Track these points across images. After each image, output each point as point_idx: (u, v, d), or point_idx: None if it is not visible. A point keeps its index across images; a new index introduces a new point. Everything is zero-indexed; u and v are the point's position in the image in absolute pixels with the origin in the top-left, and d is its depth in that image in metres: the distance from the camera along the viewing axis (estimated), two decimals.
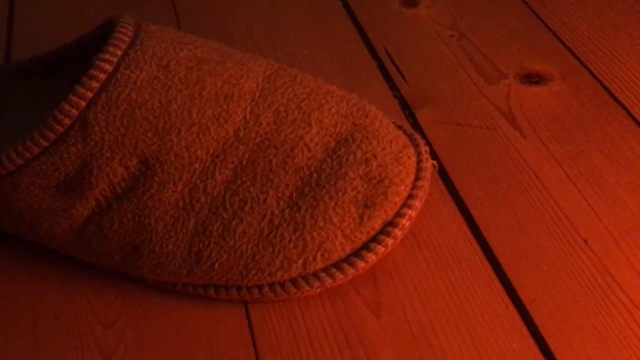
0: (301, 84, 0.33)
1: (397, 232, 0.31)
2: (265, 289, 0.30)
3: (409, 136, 0.35)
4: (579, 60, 0.44)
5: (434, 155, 0.38)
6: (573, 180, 0.36)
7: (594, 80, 0.43)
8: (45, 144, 0.29)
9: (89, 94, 0.29)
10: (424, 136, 0.39)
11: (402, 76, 0.44)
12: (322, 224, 0.30)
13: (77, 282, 0.33)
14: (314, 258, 0.30)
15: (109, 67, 0.30)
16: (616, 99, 0.41)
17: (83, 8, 0.52)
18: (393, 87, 0.43)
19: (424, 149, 0.34)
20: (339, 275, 0.30)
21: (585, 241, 0.33)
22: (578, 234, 0.33)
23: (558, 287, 0.31)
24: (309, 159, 0.31)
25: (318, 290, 0.30)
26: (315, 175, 0.31)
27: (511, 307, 0.30)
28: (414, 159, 0.33)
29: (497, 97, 0.42)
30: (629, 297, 0.30)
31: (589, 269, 0.32)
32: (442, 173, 0.37)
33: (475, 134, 0.39)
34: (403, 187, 0.31)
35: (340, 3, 0.51)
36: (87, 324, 0.31)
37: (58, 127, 0.29)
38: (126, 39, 0.31)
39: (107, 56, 0.30)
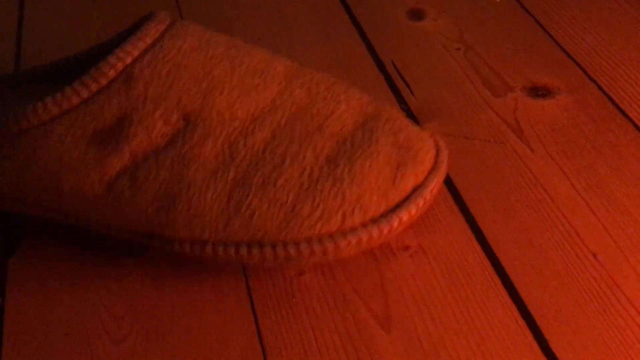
0: (324, 75, 0.35)
1: (427, 195, 0.32)
2: (303, 245, 0.30)
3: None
4: (586, 73, 0.45)
5: None
6: (581, 193, 0.36)
7: (601, 93, 0.43)
8: (85, 94, 0.30)
9: (135, 52, 0.31)
10: None
11: (409, 89, 0.44)
12: (359, 179, 0.31)
13: (88, 297, 0.33)
14: (352, 212, 0.31)
15: (154, 33, 0.32)
16: (623, 112, 0.41)
17: (89, 20, 0.52)
18: (400, 100, 0.43)
19: (437, 138, 0.35)
20: (375, 232, 0.31)
21: (595, 256, 0.33)
22: (587, 248, 0.33)
23: (568, 303, 0.31)
24: (342, 127, 0.33)
25: (353, 251, 0.31)
26: (349, 141, 0.32)
27: (521, 322, 0.30)
28: (431, 139, 0.34)
29: (504, 110, 0.42)
30: (638, 312, 0.30)
31: (599, 284, 0.32)
32: (451, 187, 0.37)
33: (483, 148, 0.40)
34: (428, 157, 0.33)
35: (347, 16, 0.51)
36: (98, 339, 0.31)
37: (101, 78, 0.30)
38: (167, 18, 0.33)
39: (152, 24, 0.32)
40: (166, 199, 0.30)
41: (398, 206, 0.32)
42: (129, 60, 0.31)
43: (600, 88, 0.43)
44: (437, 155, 0.34)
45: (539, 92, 0.43)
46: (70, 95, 0.30)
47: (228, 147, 0.31)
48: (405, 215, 0.31)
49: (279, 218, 0.30)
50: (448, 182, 0.38)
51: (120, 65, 0.30)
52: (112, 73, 0.30)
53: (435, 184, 0.33)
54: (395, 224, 0.31)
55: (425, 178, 0.33)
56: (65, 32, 0.51)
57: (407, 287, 0.32)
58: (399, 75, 0.45)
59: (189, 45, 0.32)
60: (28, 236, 0.36)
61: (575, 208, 0.36)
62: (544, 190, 0.37)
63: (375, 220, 0.31)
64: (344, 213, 0.30)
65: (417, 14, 0.51)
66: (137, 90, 0.30)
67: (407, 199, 0.32)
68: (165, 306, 0.32)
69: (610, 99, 0.42)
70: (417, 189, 0.32)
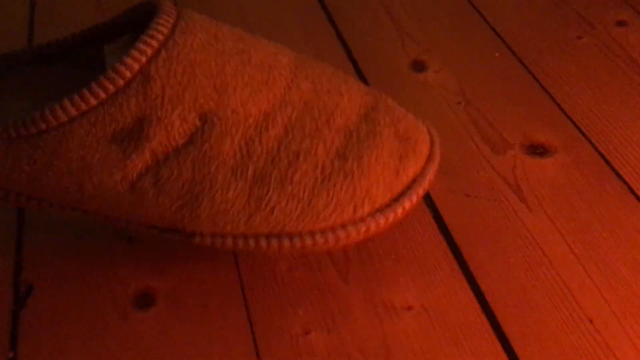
0: (324, 66, 0.37)
1: (425, 184, 0.35)
2: (318, 236, 0.33)
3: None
4: (581, 132, 0.46)
5: (444, 225, 0.40)
6: (578, 256, 0.38)
7: (596, 153, 0.44)
8: (103, 95, 0.31)
9: (150, 51, 0.31)
10: (434, 206, 0.41)
11: None
12: (367, 173, 0.33)
13: (98, 346, 0.33)
14: (362, 203, 0.33)
15: (165, 30, 0.32)
16: (618, 174, 0.43)
17: None
18: None
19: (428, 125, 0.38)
20: (381, 220, 0.34)
21: (591, 321, 0.34)
22: (584, 313, 0.35)
23: None
24: (347, 120, 0.35)
25: (362, 237, 0.34)
26: (355, 134, 0.34)
27: None
28: (425, 128, 0.37)
29: (503, 167, 0.43)
30: None
31: (595, 350, 0.33)
32: (452, 245, 0.38)
33: (483, 206, 0.41)
34: (425, 146, 0.36)
35: (351, 64, 0.53)
36: None
37: (119, 79, 0.31)
38: (174, 11, 0.34)
39: (162, 21, 0.32)
40: (190, 197, 0.32)
41: (401, 195, 0.34)
42: (144, 59, 0.31)
43: (595, 148, 0.45)
44: (432, 144, 0.37)
45: (536, 150, 0.45)
46: (89, 97, 0.30)
47: (245, 145, 0.32)
48: (408, 203, 0.34)
49: (297, 212, 0.32)
50: (449, 239, 0.39)
51: (136, 66, 0.31)
52: (128, 74, 0.31)
53: (432, 172, 0.36)
54: (400, 211, 0.34)
55: (423, 167, 0.35)
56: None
57: (410, 346, 0.33)
58: None
59: (199, 41, 0.33)
60: (39, 288, 0.36)
61: (572, 271, 0.37)
62: (542, 252, 0.38)
63: (381, 210, 0.34)
64: (355, 205, 0.33)
65: (419, 66, 0.52)
66: (154, 90, 0.31)
67: (408, 188, 0.35)
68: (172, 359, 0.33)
69: (605, 160, 0.44)
70: (416, 178, 0.35)
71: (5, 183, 0.33)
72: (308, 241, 0.33)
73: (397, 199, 0.34)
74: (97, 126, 0.31)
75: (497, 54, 0.54)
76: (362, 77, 0.51)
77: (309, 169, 0.33)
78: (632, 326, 0.34)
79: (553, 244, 0.38)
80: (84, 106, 0.31)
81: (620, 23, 0.57)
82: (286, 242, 0.33)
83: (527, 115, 0.48)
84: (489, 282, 0.36)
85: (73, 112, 0.31)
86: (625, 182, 0.42)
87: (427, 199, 0.41)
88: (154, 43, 0.32)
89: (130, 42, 0.37)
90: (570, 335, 0.34)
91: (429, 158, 0.36)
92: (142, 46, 0.31)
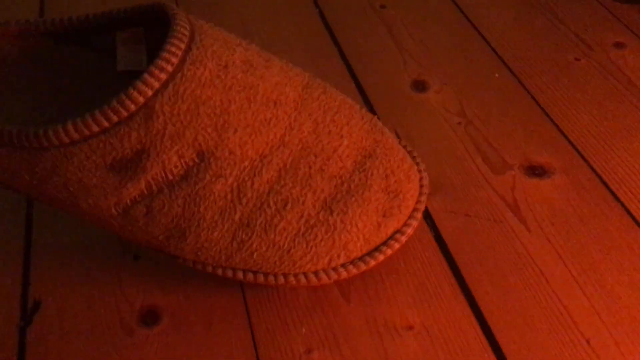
0: (331, 97, 0.38)
1: (403, 239, 0.36)
2: (291, 277, 0.35)
3: (409, 153, 0.40)
4: (580, 153, 0.47)
5: (444, 245, 0.40)
6: (575, 277, 0.38)
7: (593, 175, 0.45)
8: (106, 124, 0.31)
9: (156, 84, 0.31)
10: (435, 226, 0.42)
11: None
12: (349, 227, 0.35)
13: None
14: (338, 256, 0.35)
15: (175, 60, 0.32)
16: (614, 195, 0.44)
17: None
18: None
19: (422, 167, 0.40)
20: (352, 270, 0.35)
21: (588, 341, 0.35)
22: (581, 334, 0.35)
23: None
24: (341, 168, 0.36)
25: (333, 281, 0.35)
26: (345, 185, 0.35)
27: None
28: (418, 176, 0.38)
29: (503, 188, 0.44)
30: None
31: None
32: (452, 265, 0.39)
33: (483, 226, 0.42)
34: (412, 201, 0.37)
35: (354, 85, 0.54)
36: None
37: (123, 111, 0.31)
38: (186, 33, 0.33)
39: (173, 49, 0.32)
40: (177, 231, 0.33)
41: (376, 249, 0.36)
42: (149, 93, 0.31)
43: (593, 170, 0.46)
44: (420, 193, 0.38)
45: (535, 171, 0.46)
46: (91, 124, 0.31)
47: (237, 187, 0.33)
48: (381, 257, 0.36)
49: (275, 258, 0.34)
50: (449, 259, 0.39)
51: (141, 99, 0.31)
52: (133, 107, 0.31)
53: (412, 228, 0.37)
54: (372, 263, 0.35)
55: (405, 223, 0.37)
56: None
57: None
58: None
59: (208, 73, 0.33)
60: (46, 304, 0.37)
61: (570, 292, 0.38)
62: (540, 272, 0.39)
63: (354, 262, 0.35)
64: (331, 257, 0.35)
65: (420, 85, 0.53)
66: (156, 126, 0.31)
67: (385, 242, 0.36)
68: None
69: (602, 181, 0.45)
70: (395, 233, 0.36)
71: (10, 182, 0.34)
72: (281, 280, 0.35)
73: (372, 252, 0.36)
74: (97, 153, 0.31)
75: (497, 75, 0.55)
76: (364, 97, 0.52)
77: (294, 219, 0.34)
78: (628, 347, 0.35)
79: (551, 264, 0.39)
80: (86, 132, 0.31)
81: (618, 45, 0.58)
82: (261, 278, 0.35)
83: (527, 136, 0.48)
84: (488, 302, 0.37)
85: (75, 135, 0.31)
86: (623, 204, 0.43)
87: (428, 218, 0.42)
88: (162, 75, 0.31)
89: (142, 35, 0.37)
90: (568, 356, 0.34)
91: (413, 212, 0.37)
92: (149, 78, 0.31)
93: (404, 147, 0.41)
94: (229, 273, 0.35)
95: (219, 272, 0.35)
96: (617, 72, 0.54)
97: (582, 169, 0.46)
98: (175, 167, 0.32)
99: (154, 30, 0.37)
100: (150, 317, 0.36)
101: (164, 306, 0.37)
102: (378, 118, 0.49)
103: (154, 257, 0.39)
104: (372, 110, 0.51)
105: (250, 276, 0.35)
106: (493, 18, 0.62)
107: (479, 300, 0.37)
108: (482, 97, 0.52)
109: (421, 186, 0.38)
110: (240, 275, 0.35)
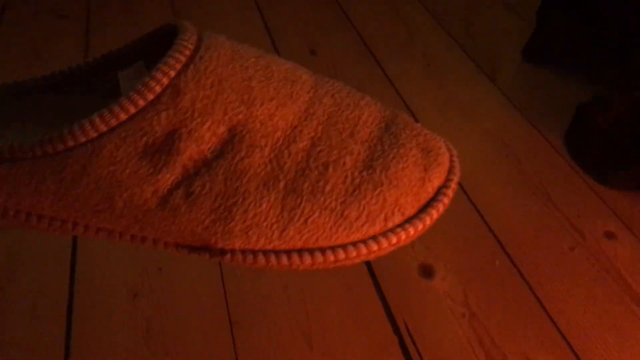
0: (340, 84, 0.38)
1: (450, 193, 0.36)
2: (350, 248, 0.33)
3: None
4: (575, 353, 0.50)
5: None
6: None
7: None
8: (133, 110, 0.31)
9: (178, 65, 0.32)
10: None
11: (420, 356, 0.49)
12: (395, 182, 0.34)
13: None
14: (393, 213, 0.34)
15: (191, 46, 0.33)
16: None
17: None
18: None
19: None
20: (411, 230, 0.34)
21: None
22: None
23: None
24: (370, 133, 0.36)
25: (392, 249, 0.34)
26: (379, 146, 0.35)
27: None
28: (442, 140, 0.38)
29: None
30: None
31: None
32: None
33: None
34: (446, 158, 0.37)
35: (365, 266, 0.57)
36: None
37: (149, 93, 0.31)
38: (195, 30, 0.35)
39: (186, 37, 0.33)
40: (222, 210, 0.33)
41: (427, 205, 0.35)
42: (173, 73, 0.32)
43: None
44: (451, 156, 0.38)
45: None
46: (119, 112, 0.31)
47: (274, 157, 0.33)
48: (435, 213, 0.35)
49: (330, 223, 0.33)
50: None
51: (165, 80, 0.32)
52: (158, 88, 0.32)
53: (455, 182, 0.36)
54: (428, 221, 0.35)
55: (446, 178, 0.36)
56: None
57: None
58: (411, 339, 0.51)
59: (223, 56, 0.34)
60: None
61: None
62: None
63: (410, 220, 0.34)
64: (386, 215, 0.34)
65: (426, 272, 0.57)
66: (184, 104, 0.32)
67: (434, 198, 0.35)
68: None
69: None
70: (440, 188, 0.36)
71: (29, 206, 0.33)
72: (341, 254, 0.33)
73: (424, 208, 0.35)
74: (127, 141, 0.31)
75: (497, 262, 0.59)
76: (374, 278, 0.56)
77: (339, 181, 0.33)
78: None
79: None
80: (114, 121, 0.31)
81: (609, 235, 0.62)
82: (318, 257, 0.33)
83: (526, 333, 0.52)
84: None
85: (102, 127, 0.31)
86: None
87: None
88: (182, 58, 0.32)
89: (144, 68, 0.38)
90: None
91: (451, 168, 0.37)
92: (171, 60, 0.32)
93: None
94: (284, 260, 0.33)
95: (273, 260, 0.33)
96: (608, 264, 0.59)
97: None
98: (210, 144, 0.32)
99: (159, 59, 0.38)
100: None
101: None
102: (389, 309, 0.53)
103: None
104: (382, 298, 0.54)
105: (307, 257, 0.33)
106: (495, 202, 0.66)
107: None
108: (485, 287, 0.56)
109: (449, 149, 0.38)
110: (296, 258, 0.33)
